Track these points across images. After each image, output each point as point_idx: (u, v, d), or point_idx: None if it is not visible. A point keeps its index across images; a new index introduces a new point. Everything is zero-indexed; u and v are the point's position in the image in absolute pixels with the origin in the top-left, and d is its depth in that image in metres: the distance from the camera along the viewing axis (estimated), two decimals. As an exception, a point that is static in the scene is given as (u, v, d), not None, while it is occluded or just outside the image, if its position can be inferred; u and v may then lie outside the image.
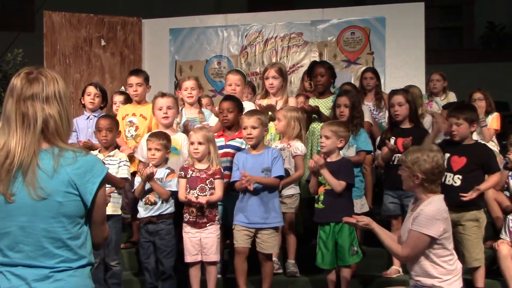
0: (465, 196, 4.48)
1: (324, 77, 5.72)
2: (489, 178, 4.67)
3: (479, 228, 4.63)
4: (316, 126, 5.50)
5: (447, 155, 4.56)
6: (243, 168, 4.59)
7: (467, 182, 4.57)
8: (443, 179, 4.06)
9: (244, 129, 4.73)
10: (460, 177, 4.59)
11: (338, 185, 4.50)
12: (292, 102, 5.58)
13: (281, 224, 4.76)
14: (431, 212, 3.47)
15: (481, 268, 4.63)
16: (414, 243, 3.49)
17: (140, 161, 5.23)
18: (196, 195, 4.64)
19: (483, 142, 5.24)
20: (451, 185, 4.57)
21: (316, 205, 4.66)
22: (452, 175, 4.60)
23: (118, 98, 6.27)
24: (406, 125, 5.16)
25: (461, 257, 4.37)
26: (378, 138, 5.57)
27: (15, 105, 2.14)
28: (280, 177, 4.68)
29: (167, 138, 4.84)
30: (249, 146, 4.76)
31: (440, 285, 3.50)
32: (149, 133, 5.14)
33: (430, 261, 3.52)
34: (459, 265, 3.63)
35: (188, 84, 5.72)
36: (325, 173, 4.49)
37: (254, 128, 4.67)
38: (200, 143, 4.69)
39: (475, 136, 5.04)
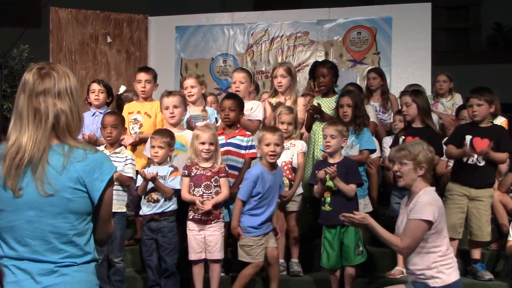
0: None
1: (327, 77, 5.64)
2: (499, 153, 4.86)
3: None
4: (319, 125, 5.47)
5: (469, 137, 4.81)
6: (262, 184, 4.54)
7: (489, 161, 4.82)
8: (465, 160, 4.80)
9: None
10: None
11: (351, 190, 4.57)
12: (300, 102, 5.58)
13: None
14: (427, 199, 3.57)
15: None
16: (412, 232, 3.54)
17: (147, 160, 5.20)
18: (201, 192, 4.64)
19: (497, 124, 5.38)
20: (475, 165, 4.82)
21: (323, 208, 4.66)
22: (475, 155, 4.80)
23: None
24: (418, 124, 5.13)
25: (475, 230, 4.83)
26: (386, 138, 5.58)
27: (27, 100, 2.14)
28: None
29: (170, 136, 4.83)
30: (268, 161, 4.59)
31: (438, 276, 3.55)
32: (155, 130, 5.13)
33: (427, 252, 3.55)
34: (454, 258, 3.70)
35: (188, 83, 5.70)
36: (338, 183, 4.53)
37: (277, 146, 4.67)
38: (211, 144, 4.69)
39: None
